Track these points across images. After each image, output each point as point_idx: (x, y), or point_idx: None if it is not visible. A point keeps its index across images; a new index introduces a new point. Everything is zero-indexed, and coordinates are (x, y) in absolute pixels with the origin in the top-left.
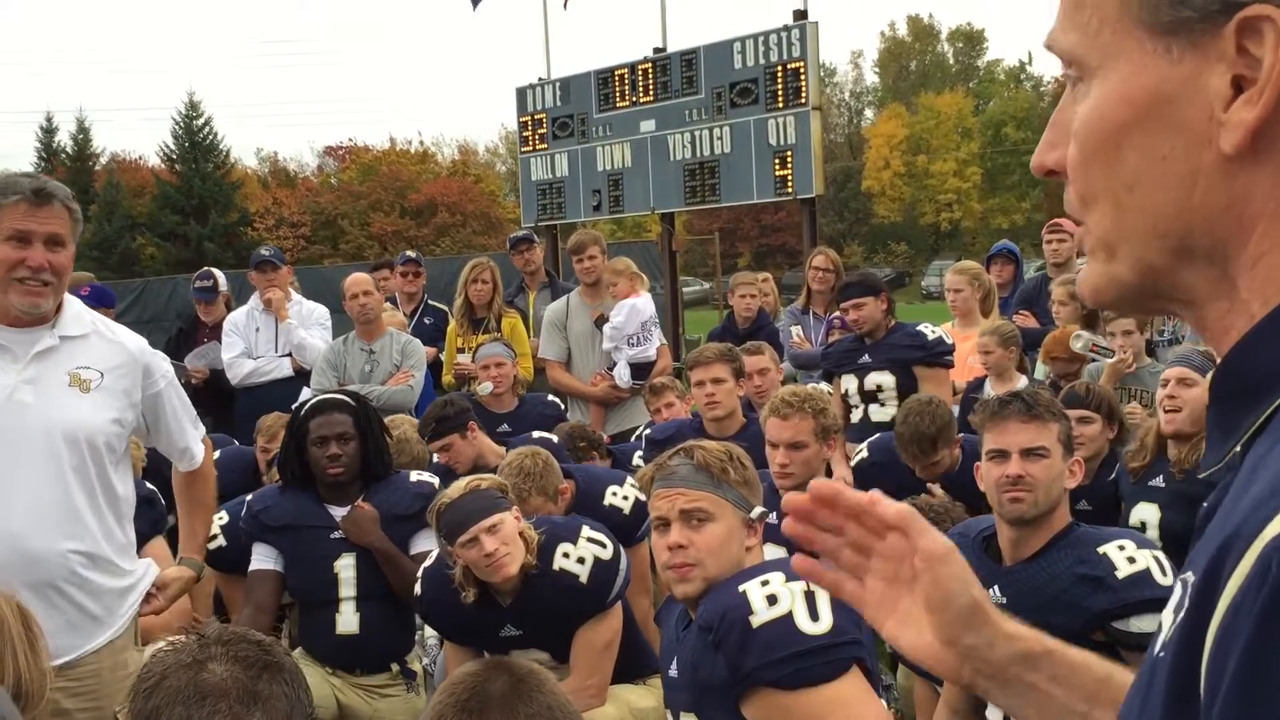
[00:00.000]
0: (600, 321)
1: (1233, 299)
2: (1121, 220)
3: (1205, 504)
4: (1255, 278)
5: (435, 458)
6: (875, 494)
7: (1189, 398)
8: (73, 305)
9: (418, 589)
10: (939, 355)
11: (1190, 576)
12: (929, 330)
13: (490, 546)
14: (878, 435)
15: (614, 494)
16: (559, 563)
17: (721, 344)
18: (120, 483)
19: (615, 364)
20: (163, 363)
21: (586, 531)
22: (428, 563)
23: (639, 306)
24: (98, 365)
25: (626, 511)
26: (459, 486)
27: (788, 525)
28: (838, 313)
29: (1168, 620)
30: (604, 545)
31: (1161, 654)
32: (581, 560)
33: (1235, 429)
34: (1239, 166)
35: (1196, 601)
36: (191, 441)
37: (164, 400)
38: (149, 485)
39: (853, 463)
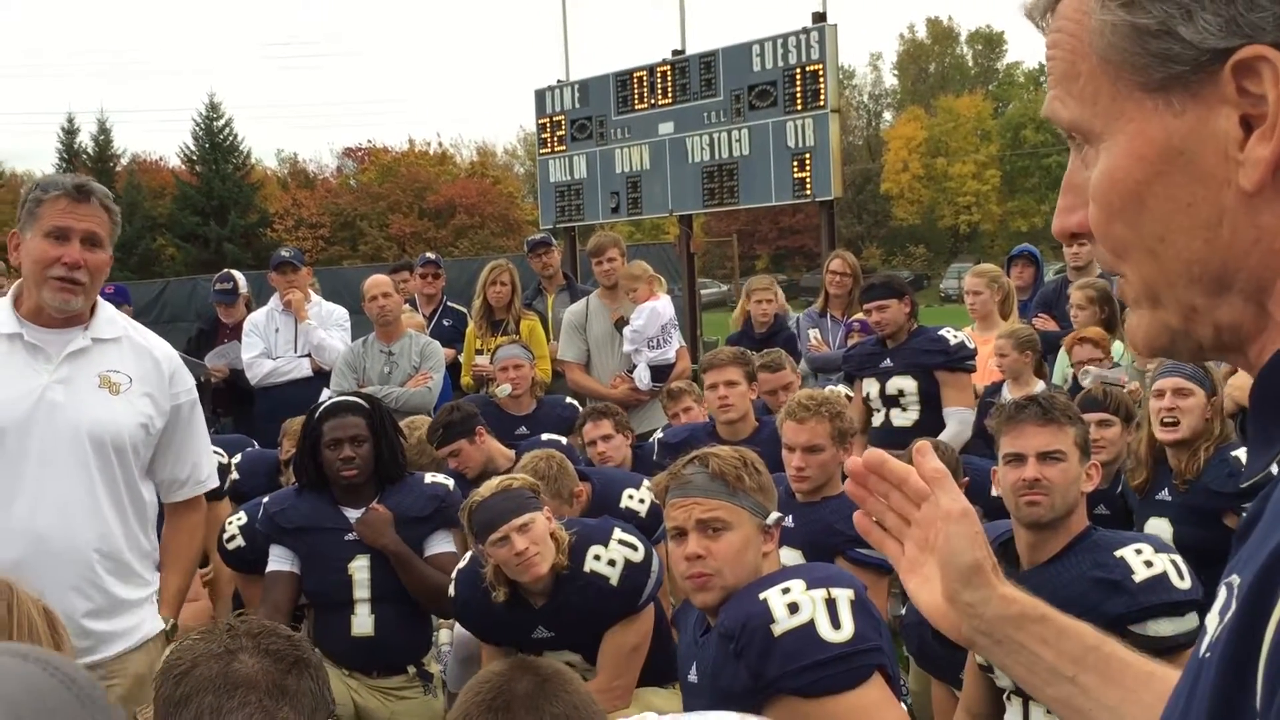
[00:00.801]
0: (620, 324)
1: (1271, 328)
2: (1159, 268)
3: (1246, 512)
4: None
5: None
6: (922, 444)
7: (1187, 407)
8: (106, 309)
9: (452, 590)
10: (961, 360)
11: (1236, 580)
12: (951, 335)
13: (520, 545)
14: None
15: (630, 496)
16: (590, 564)
17: (734, 348)
18: (145, 489)
19: (635, 366)
20: (188, 378)
21: (618, 534)
22: (461, 564)
23: (659, 309)
24: (127, 370)
25: (643, 515)
26: (491, 485)
27: (849, 486)
28: (858, 316)
29: (1213, 623)
30: (635, 548)
31: (1208, 655)
32: (612, 563)
33: (1277, 439)
34: (1262, 201)
35: (1248, 605)
36: (197, 469)
37: (182, 415)
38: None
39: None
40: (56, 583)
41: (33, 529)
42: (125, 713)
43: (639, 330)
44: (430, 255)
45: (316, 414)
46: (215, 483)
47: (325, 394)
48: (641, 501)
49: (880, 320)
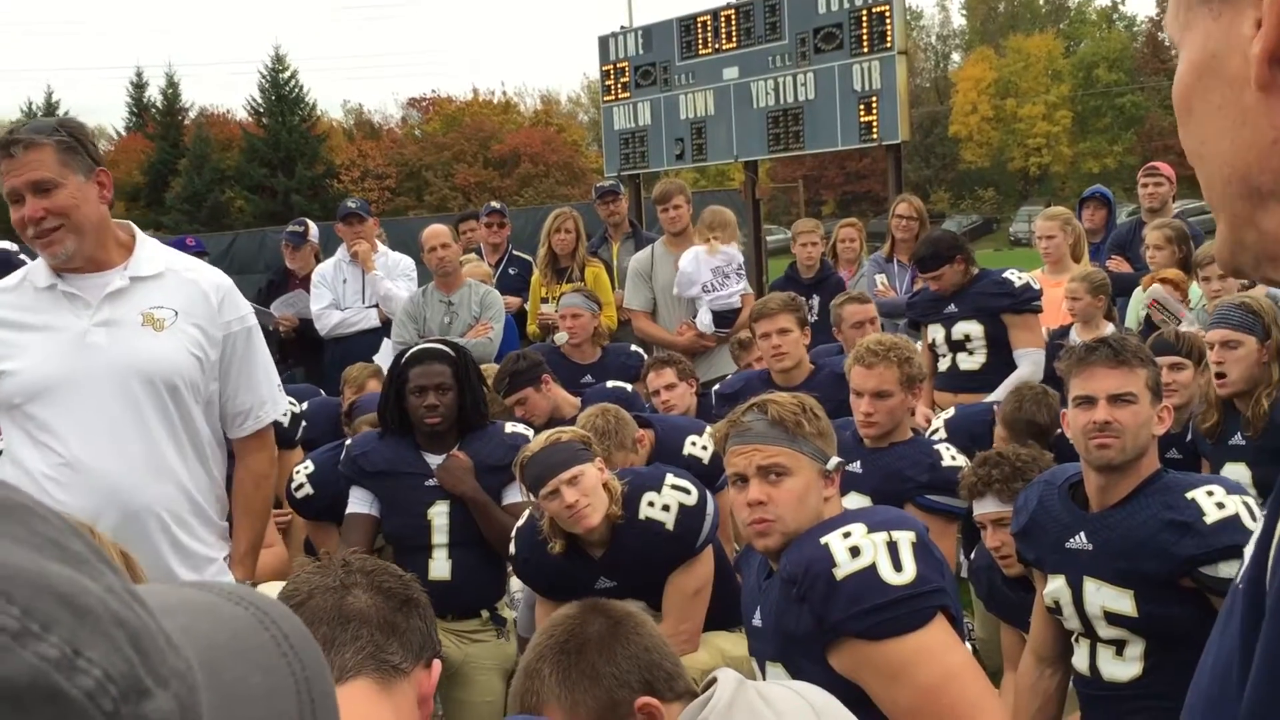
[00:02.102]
0: None
1: None
2: (1206, 174)
3: None
4: None
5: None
6: None
7: (1235, 359)
8: (147, 246)
9: (512, 548)
10: (1027, 301)
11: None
12: (1016, 277)
13: (570, 498)
14: (954, 414)
15: (693, 444)
16: (644, 511)
17: (784, 294)
18: (206, 427)
19: (698, 312)
20: (242, 305)
21: (670, 479)
22: (520, 521)
23: (700, 253)
24: (171, 304)
25: (705, 461)
26: (540, 439)
27: None
28: None
29: (1248, 554)
30: (688, 491)
31: (1240, 585)
32: (667, 508)
33: None
34: (1276, 100)
35: (1263, 532)
36: (259, 400)
37: (237, 344)
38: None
39: (929, 432)
40: (126, 529)
41: (95, 479)
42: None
43: (687, 274)
44: (495, 204)
45: (403, 359)
46: (279, 414)
47: (386, 345)
48: (704, 448)
49: (940, 287)
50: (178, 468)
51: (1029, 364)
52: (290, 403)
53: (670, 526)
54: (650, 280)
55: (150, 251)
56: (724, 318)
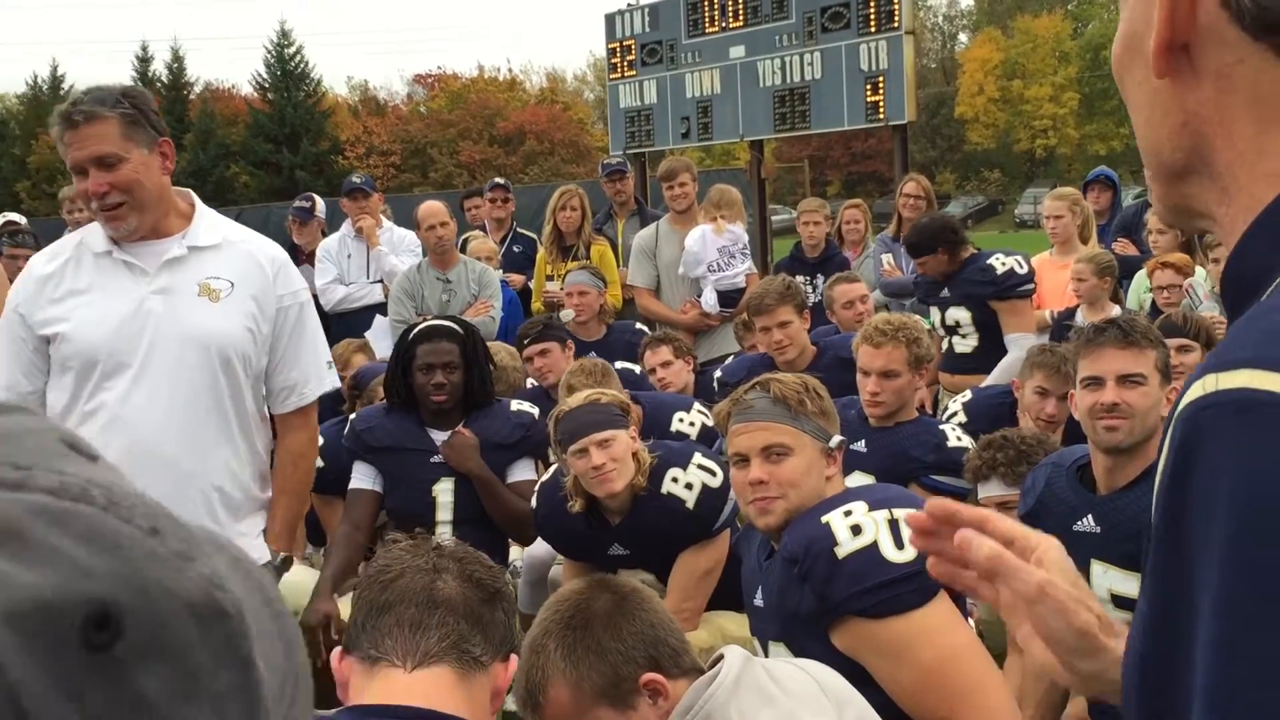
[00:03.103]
0: None
1: (1230, 204)
2: (1139, 140)
3: None
4: (1234, 182)
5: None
6: (986, 513)
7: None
8: (205, 216)
9: (534, 501)
10: (1011, 289)
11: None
12: (999, 263)
13: (598, 460)
14: (971, 397)
15: (680, 420)
16: (667, 486)
17: (779, 283)
18: (254, 401)
19: (703, 291)
20: (296, 280)
21: (698, 458)
22: (545, 477)
23: (707, 233)
24: (228, 275)
25: (694, 437)
26: (580, 396)
27: (914, 539)
28: None
29: None
30: (714, 474)
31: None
32: (690, 486)
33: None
34: (1184, 88)
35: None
36: (302, 377)
37: (290, 318)
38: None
39: (945, 415)
40: (168, 499)
41: (142, 444)
42: None
43: (693, 253)
44: (499, 180)
45: (410, 336)
46: (324, 390)
47: (379, 321)
48: (692, 425)
49: (926, 272)
50: (223, 438)
51: (1017, 349)
52: None
53: (691, 505)
54: (654, 258)
55: (209, 221)
56: (729, 297)
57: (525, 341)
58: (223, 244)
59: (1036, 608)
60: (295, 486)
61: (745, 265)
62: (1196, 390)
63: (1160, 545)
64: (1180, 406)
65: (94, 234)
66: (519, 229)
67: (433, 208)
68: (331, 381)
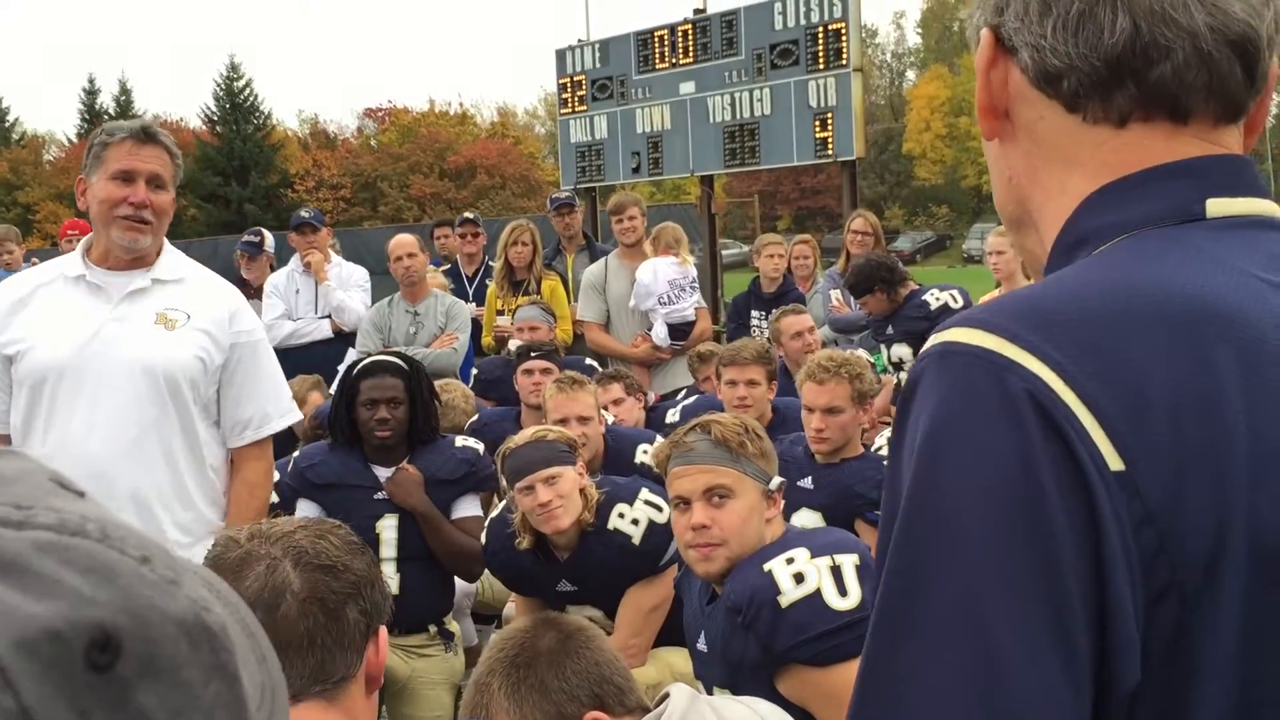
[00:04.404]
0: None
1: (1047, 250)
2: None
3: None
4: (1048, 225)
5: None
6: None
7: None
8: (172, 253)
9: (483, 537)
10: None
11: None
12: (934, 298)
13: (545, 497)
14: (691, 399)
15: (645, 452)
16: (614, 522)
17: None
18: (205, 428)
19: (654, 325)
20: (254, 319)
21: (645, 494)
22: (494, 512)
23: (658, 266)
24: (185, 307)
25: (656, 469)
26: (527, 434)
27: None
28: None
29: None
30: (660, 509)
31: None
32: (636, 522)
33: None
34: (1008, 148)
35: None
36: (259, 413)
37: (244, 355)
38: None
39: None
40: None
41: (89, 463)
42: None
43: (645, 285)
44: (469, 214)
45: (354, 371)
46: (281, 427)
47: (351, 354)
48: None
49: (869, 312)
50: (168, 459)
51: None
52: None
53: (636, 541)
54: (604, 292)
55: (174, 259)
56: (679, 330)
57: (532, 354)
58: (185, 280)
59: None
60: (250, 515)
61: (694, 298)
62: (926, 345)
63: (886, 485)
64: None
65: (70, 260)
66: (491, 262)
67: (402, 240)
68: (295, 416)
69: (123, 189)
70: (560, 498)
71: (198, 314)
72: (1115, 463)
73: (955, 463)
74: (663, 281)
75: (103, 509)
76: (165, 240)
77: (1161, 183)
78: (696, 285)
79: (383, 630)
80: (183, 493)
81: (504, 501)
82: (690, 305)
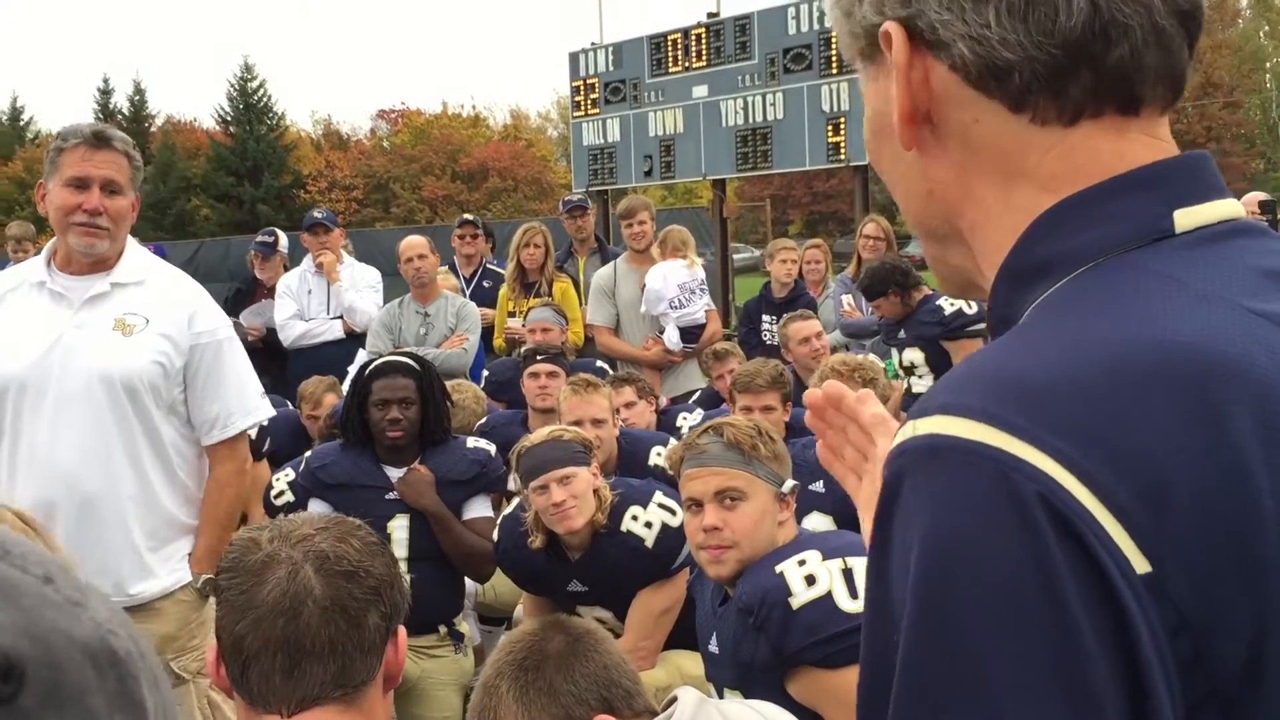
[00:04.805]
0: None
1: (985, 265)
2: (904, 215)
3: None
4: (984, 244)
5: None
6: (864, 393)
7: None
8: (133, 254)
9: (495, 534)
10: (959, 329)
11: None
12: (948, 303)
13: (559, 497)
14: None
15: (659, 454)
16: (627, 524)
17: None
18: (167, 426)
19: (664, 329)
20: (217, 318)
21: (659, 497)
22: (507, 510)
23: (667, 271)
24: (144, 311)
25: (670, 471)
26: (542, 433)
27: (809, 418)
28: None
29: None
30: (674, 513)
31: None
32: (649, 525)
33: None
34: (929, 158)
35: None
36: (224, 411)
37: (205, 355)
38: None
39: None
40: (82, 520)
41: (55, 472)
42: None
43: (655, 291)
44: (468, 216)
45: (366, 371)
46: (249, 425)
47: (361, 355)
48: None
49: (883, 315)
50: (133, 464)
51: None
52: None
53: (649, 544)
54: (613, 296)
55: (135, 259)
56: (690, 333)
57: (538, 357)
58: (145, 281)
59: None
60: (220, 514)
61: (704, 301)
62: (901, 435)
63: (869, 575)
64: (890, 450)
65: (36, 267)
66: (489, 264)
67: (413, 241)
68: (264, 414)
69: (77, 196)
70: (574, 498)
71: (156, 317)
72: (1141, 565)
73: (965, 589)
74: (672, 285)
75: (4, 526)
76: (130, 240)
77: (1124, 198)
78: (705, 288)
79: (401, 630)
80: (150, 497)
81: (516, 500)
82: (701, 308)
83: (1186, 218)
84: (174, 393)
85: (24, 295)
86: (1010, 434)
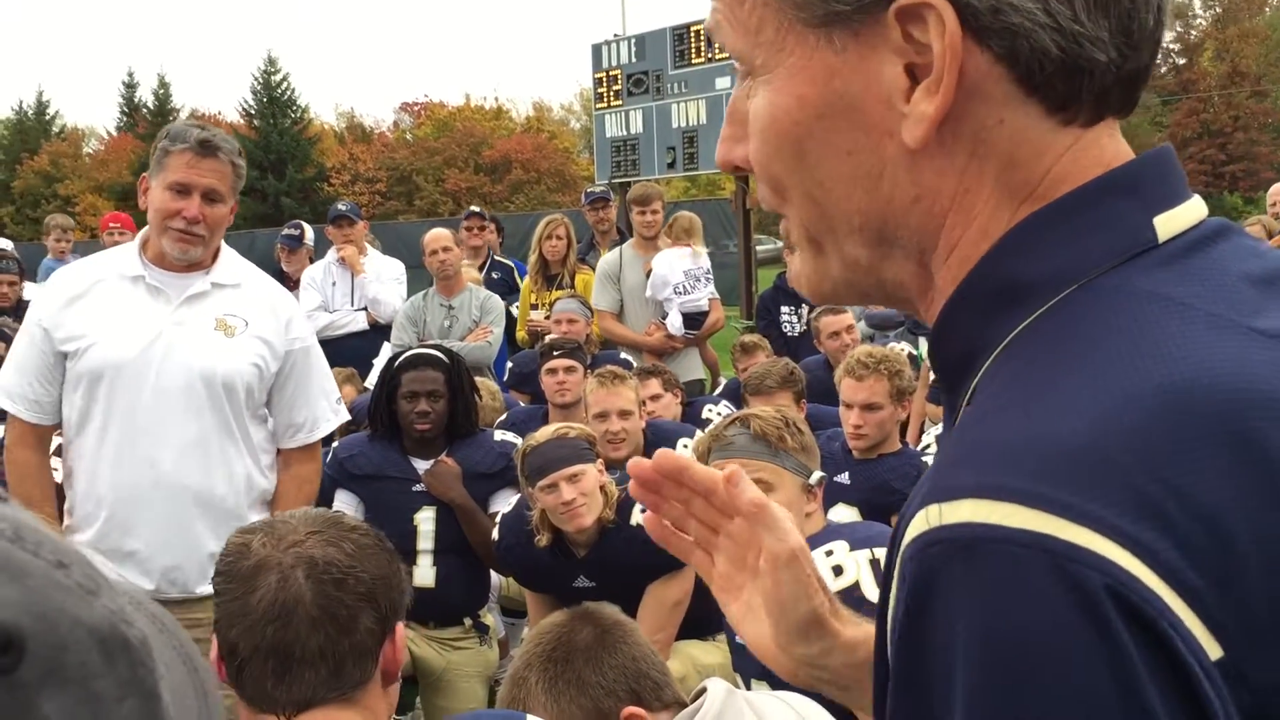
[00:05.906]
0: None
1: (934, 291)
2: (820, 215)
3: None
4: (949, 270)
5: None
6: (735, 472)
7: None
8: (229, 255)
9: (495, 534)
10: None
11: (882, 555)
12: None
13: (568, 495)
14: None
15: (685, 446)
16: (636, 518)
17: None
18: (259, 431)
19: (667, 315)
20: (306, 325)
21: None
22: (506, 509)
23: (671, 256)
24: (243, 313)
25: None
26: (547, 432)
27: (633, 489)
28: None
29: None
30: None
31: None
32: None
33: (952, 410)
34: (925, 158)
35: (883, 586)
36: (311, 417)
37: (297, 361)
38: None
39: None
40: (168, 510)
41: (148, 464)
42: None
43: (660, 276)
44: (474, 208)
45: (396, 363)
46: (331, 429)
47: (386, 348)
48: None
49: None
50: (223, 461)
51: None
52: None
53: None
54: (618, 282)
55: (232, 260)
56: (693, 319)
57: (555, 353)
58: (242, 284)
59: (783, 574)
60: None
61: (709, 290)
62: (920, 523)
63: (899, 687)
64: (906, 541)
65: (127, 257)
66: (496, 256)
67: (437, 234)
68: (343, 418)
69: (177, 201)
70: (584, 495)
71: (255, 321)
72: (1214, 650)
73: (1037, 698)
74: (678, 272)
75: (21, 512)
76: (223, 243)
77: (1105, 205)
78: (710, 276)
79: (399, 626)
80: (237, 493)
81: (517, 498)
82: (704, 296)
83: (1166, 225)
84: (263, 396)
85: (116, 286)
86: (1061, 517)
